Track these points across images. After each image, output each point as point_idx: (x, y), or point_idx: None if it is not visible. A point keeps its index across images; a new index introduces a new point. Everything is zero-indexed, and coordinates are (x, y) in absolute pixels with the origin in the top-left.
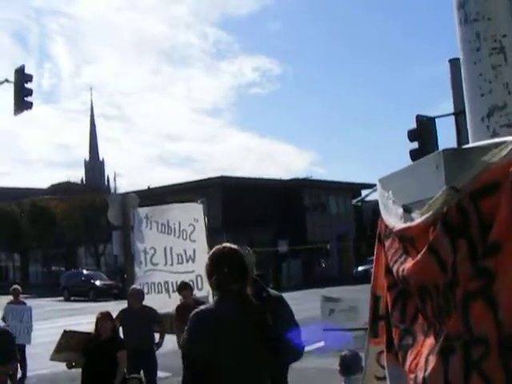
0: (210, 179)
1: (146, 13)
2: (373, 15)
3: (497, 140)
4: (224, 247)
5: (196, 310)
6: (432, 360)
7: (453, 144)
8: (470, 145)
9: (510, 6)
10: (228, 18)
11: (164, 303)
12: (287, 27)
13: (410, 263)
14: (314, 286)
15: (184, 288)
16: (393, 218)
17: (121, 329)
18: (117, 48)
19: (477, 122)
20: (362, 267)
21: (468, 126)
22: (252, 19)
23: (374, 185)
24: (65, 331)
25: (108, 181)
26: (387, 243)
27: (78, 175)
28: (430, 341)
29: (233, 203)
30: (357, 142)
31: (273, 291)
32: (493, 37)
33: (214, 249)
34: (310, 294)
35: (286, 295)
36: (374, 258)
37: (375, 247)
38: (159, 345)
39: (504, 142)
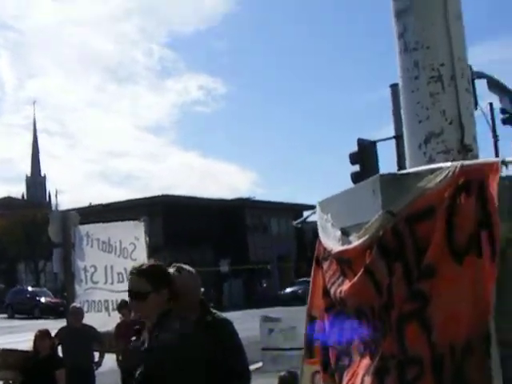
0: (152, 197)
1: (92, 29)
2: (316, 40)
3: (433, 166)
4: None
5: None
6: (367, 380)
7: (394, 167)
8: (407, 170)
9: (448, 36)
10: (174, 36)
11: (104, 322)
12: (232, 46)
13: (347, 285)
14: (255, 306)
15: (124, 307)
16: (331, 241)
17: (60, 347)
18: (62, 63)
19: (414, 148)
20: (289, 289)
21: (406, 152)
22: (198, 38)
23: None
24: (2, 349)
25: (49, 197)
26: (325, 265)
27: (19, 190)
28: (366, 361)
29: (174, 222)
30: (299, 164)
31: (218, 314)
32: (431, 65)
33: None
34: (250, 314)
35: (228, 315)
36: (311, 279)
37: (312, 269)
38: (99, 364)
39: (439, 168)
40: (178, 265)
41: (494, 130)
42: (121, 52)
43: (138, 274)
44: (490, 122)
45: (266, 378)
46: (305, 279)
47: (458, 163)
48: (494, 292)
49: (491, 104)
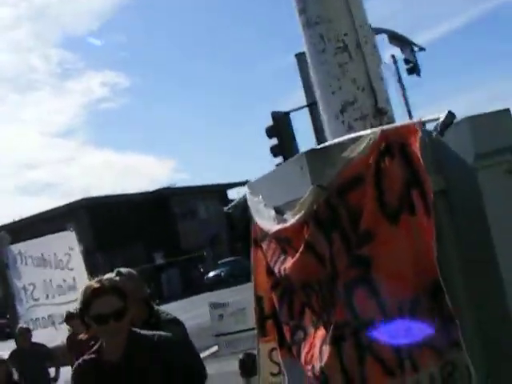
0: (74, 202)
1: None
2: (210, 17)
3: (352, 135)
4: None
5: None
6: (326, 350)
7: (310, 135)
8: (329, 142)
9: (347, 6)
10: (69, 37)
11: (52, 337)
12: (130, 39)
13: (289, 262)
14: (195, 293)
15: (71, 318)
16: (266, 221)
17: (14, 370)
18: None
19: (332, 119)
20: (212, 273)
21: (324, 123)
22: (93, 35)
23: (239, 183)
24: None
25: None
26: (264, 245)
27: None
28: (321, 332)
29: (101, 223)
30: (216, 144)
31: (164, 316)
32: (335, 37)
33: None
34: (193, 302)
35: (170, 306)
36: (252, 261)
37: (251, 251)
38: (56, 379)
39: (359, 137)
40: (117, 270)
41: (400, 81)
42: (18, 60)
43: (107, 292)
44: (395, 73)
45: (221, 362)
46: (227, 260)
47: (378, 129)
48: (434, 246)
49: (393, 56)
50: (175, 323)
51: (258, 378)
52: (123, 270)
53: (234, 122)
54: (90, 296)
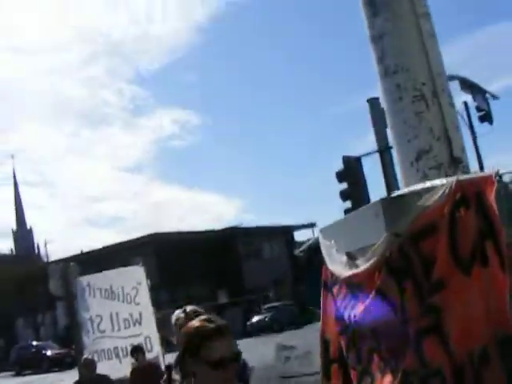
0: (141, 237)
1: (62, 76)
2: (284, 58)
3: (427, 184)
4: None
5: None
6: None
7: (380, 180)
8: (403, 191)
9: (425, 55)
10: (142, 74)
11: (116, 369)
12: (201, 77)
13: (360, 307)
14: (256, 334)
15: (136, 351)
16: (338, 266)
17: None
18: (34, 115)
19: (407, 167)
20: (257, 317)
21: (399, 171)
22: (165, 72)
23: (306, 225)
24: None
25: (38, 248)
26: (335, 290)
27: (7, 246)
28: (388, 378)
29: (167, 259)
30: (283, 187)
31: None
32: (413, 86)
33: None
34: (255, 342)
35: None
36: (321, 304)
37: (321, 294)
38: None
39: (435, 187)
40: (184, 308)
41: (471, 128)
42: (91, 96)
43: (227, 334)
44: (467, 120)
45: None
46: (272, 305)
47: (454, 179)
48: (508, 299)
49: (466, 103)
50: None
51: None
52: (189, 307)
53: (303, 165)
54: (208, 336)
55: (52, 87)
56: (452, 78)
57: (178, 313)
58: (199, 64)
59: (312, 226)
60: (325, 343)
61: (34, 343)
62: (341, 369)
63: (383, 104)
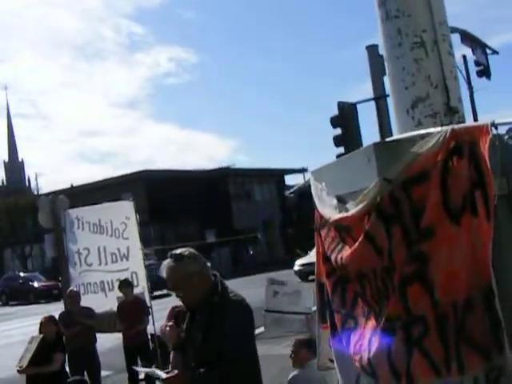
0: (132, 174)
1: (57, 7)
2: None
3: (422, 132)
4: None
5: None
6: (375, 340)
7: (374, 128)
8: (398, 136)
9: (428, 2)
10: (141, 10)
11: (101, 302)
12: (201, 14)
13: (347, 251)
14: (244, 274)
15: (124, 285)
16: (327, 209)
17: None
18: (29, 45)
19: (402, 114)
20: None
21: (393, 117)
22: (165, 9)
23: (297, 170)
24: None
25: (29, 181)
26: (323, 232)
27: None
28: (372, 323)
29: (157, 196)
30: (278, 127)
31: (231, 295)
32: (413, 32)
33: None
34: (242, 282)
35: None
36: (315, 248)
37: (315, 238)
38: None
39: (429, 134)
40: (175, 252)
41: (469, 82)
42: (88, 29)
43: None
44: (465, 74)
45: (269, 344)
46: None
47: (449, 127)
48: (490, 249)
49: (464, 56)
50: (239, 305)
51: (318, 361)
52: (183, 252)
53: (298, 109)
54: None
55: (48, 18)
56: (453, 30)
57: (168, 261)
58: (198, 2)
59: (303, 170)
60: (319, 286)
61: (22, 274)
62: (329, 312)
63: (383, 49)
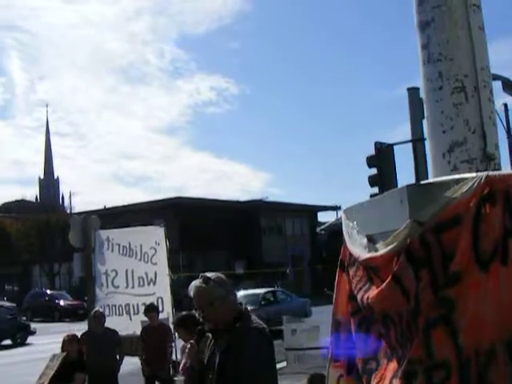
0: (165, 200)
1: (103, 29)
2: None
3: (457, 176)
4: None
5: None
6: (395, 383)
7: (410, 171)
8: (432, 180)
9: (471, 47)
10: (186, 37)
11: (125, 325)
12: (245, 47)
13: (374, 291)
14: None
15: (150, 310)
16: (357, 248)
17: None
18: (73, 64)
19: (438, 157)
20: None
21: (430, 161)
22: (210, 38)
23: (330, 207)
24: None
25: (63, 199)
26: (351, 271)
27: (32, 193)
28: (393, 365)
29: (188, 224)
30: (312, 165)
31: (253, 322)
32: (455, 76)
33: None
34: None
35: None
36: (336, 283)
37: (336, 273)
38: (118, 367)
39: (464, 179)
40: (204, 275)
41: (508, 131)
42: (132, 52)
43: None
44: (505, 122)
45: (290, 380)
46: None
47: (483, 174)
48: None
49: (506, 104)
50: (259, 332)
51: None
52: (210, 275)
53: (334, 146)
54: None
55: (94, 39)
56: (496, 77)
57: (197, 282)
58: (244, 33)
59: (336, 208)
60: (336, 324)
61: (48, 292)
62: (347, 350)
63: (423, 92)
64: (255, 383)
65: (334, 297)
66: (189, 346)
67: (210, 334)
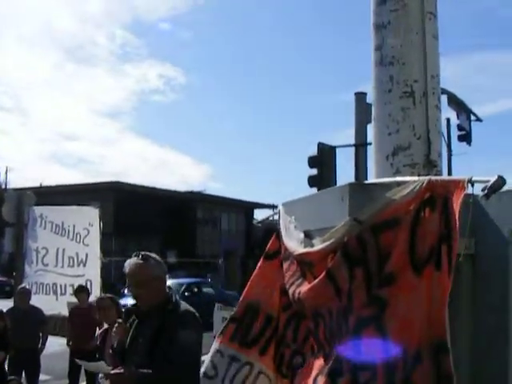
0: (104, 183)
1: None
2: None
3: (399, 179)
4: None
5: (195, 313)
6: (320, 380)
7: (350, 173)
8: (374, 180)
9: (424, 54)
10: (139, 22)
11: (51, 305)
12: (197, 39)
13: (306, 287)
14: None
15: (80, 291)
16: (293, 242)
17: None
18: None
19: (382, 159)
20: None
21: (373, 162)
22: (163, 26)
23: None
24: None
25: None
26: (285, 265)
27: None
28: (319, 362)
29: (125, 209)
30: (254, 161)
31: (183, 305)
32: (405, 81)
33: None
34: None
35: None
36: (255, 271)
37: (259, 262)
38: (43, 346)
39: (406, 182)
40: (143, 253)
41: (449, 146)
42: (83, 32)
43: None
44: (446, 137)
45: None
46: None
47: (426, 178)
48: (447, 306)
49: (448, 120)
50: (193, 315)
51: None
52: (150, 254)
53: (277, 144)
54: None
55: (46, 15)
56: (442, 91)
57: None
58: (198, 24)
59: (273, 207)
60: (267, 318)
61: None
62: (275, 345)
63: (372, 93)
64: (186, 364)
65: (250, 282)
66: (116, 325)
67: (134, 316)
